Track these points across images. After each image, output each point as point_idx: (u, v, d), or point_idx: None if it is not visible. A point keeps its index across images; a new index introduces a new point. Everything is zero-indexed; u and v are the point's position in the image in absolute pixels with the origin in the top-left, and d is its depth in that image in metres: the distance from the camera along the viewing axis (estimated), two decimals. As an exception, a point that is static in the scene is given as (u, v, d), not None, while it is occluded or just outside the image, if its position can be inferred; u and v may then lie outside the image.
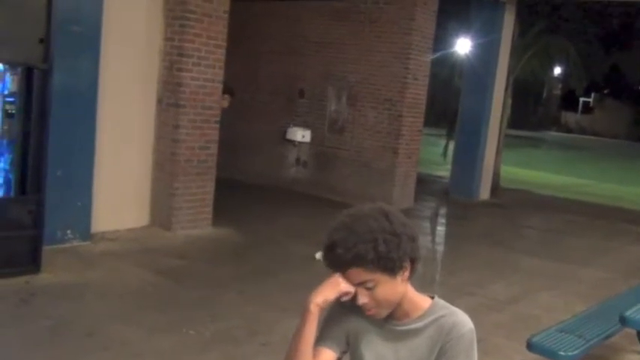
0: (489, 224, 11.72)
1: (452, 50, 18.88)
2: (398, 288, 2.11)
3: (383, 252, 2.02)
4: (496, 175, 14.69)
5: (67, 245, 6.89)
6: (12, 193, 5.96)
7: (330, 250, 2.08)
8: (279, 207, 10.72)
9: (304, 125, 12.13)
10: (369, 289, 2.08)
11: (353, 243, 2.02)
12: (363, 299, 2.10)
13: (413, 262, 2.13)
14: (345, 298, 2.14)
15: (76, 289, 5.87)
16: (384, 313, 2.15)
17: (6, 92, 5.84)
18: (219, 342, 5.07)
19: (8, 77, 5.84)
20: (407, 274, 2.12)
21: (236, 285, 6.48)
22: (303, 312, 2.14)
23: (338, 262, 2.07)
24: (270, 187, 12.02)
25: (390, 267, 2.05)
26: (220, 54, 8.20)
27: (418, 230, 2.15)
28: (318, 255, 7.53)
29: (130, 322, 5.23)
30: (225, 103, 8.81)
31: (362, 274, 2.06)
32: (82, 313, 5.34)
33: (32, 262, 5.96)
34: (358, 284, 2.08)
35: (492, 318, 6.20)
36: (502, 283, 7.57)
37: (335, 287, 2.11)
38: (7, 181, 5.90)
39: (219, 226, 8.48)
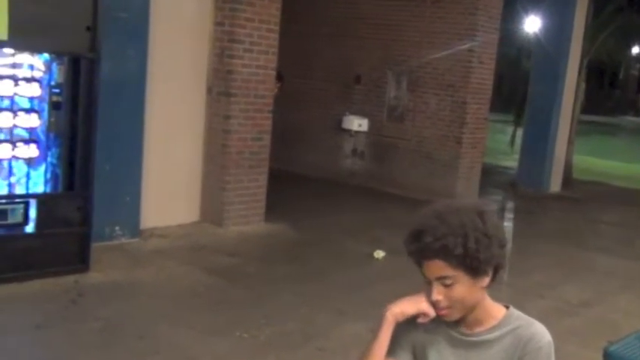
0: (561, 219, 11.63)
1: (520, 29, 18.65)
2: (475, 292, 2.14)
3: (471, 250, 2.05)
4: (568, 166, 14.51)
5: (116, 242, 7.03)
6: (59, 189, 6.11)
7: (416, 237, 2.10)
8: (335, 201, 10.77)
9: (361, 113, 12.14)
10: (446, 285, 2.10)
11: (442, 233, 2.05)
12: (437, 296, 2.12)
13: (496, 269, 2.15)
14: (421, 320, 2.19)
15: (125, 288, 6.01)
16: (456, 315, 2.17)
17: (52, 83, 5.95)
18: (274, 346, 5.13)
19: (55, 67, 5.95)
20: (487, 280, 2.14)
21: (290, 285, 6.55)
22: (380, 319, 2.21)
23: (423, 250, 2.09)
24: (325, 180, 12.05)
25: (474, 267, 2.07)
26: (273, 39, 8.25)
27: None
28: (377, 253, 7.58)
29: (182, 324, 5.33)
30: (275, 89, 8.89)
31: (444, 269, 2.08)
32: (132, 315, 5.47)
33: (81, 261, 6.11)
34: (436, 279, 2.11)
35: (565, 323, 6.15)
36: (575, 285, 7.50)
37: (416, 305, 2.18)
38: (54, 177, 6.04)
39: (271, 222, 8.55)
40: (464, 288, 2.10)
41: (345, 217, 9.65)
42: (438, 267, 2.09)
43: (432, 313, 2.16)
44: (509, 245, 2.15)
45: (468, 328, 2.22)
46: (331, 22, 12.48)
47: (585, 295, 7.13)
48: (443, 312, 2.15)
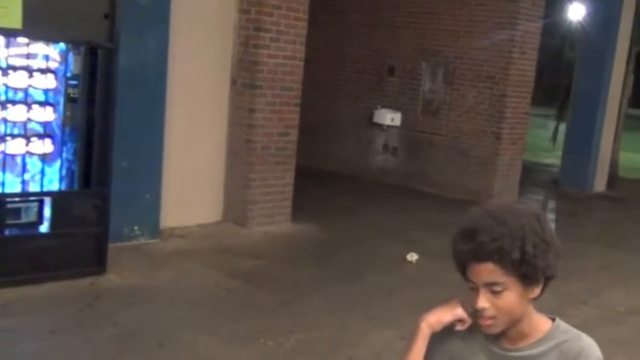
0: (606, 221, 11.50)
1: (563, 16, 18.47)
2: (523, 303, 2.08)
3: (529, 255, 1.99)
4: (613, 164, 14.41)
5: (134, 243, 7.05)
6: (75, 187, 6.11)
7: (468, 236, 2.03)
8: (365, 200, 10.72)
9: (394, 107, 12.08)
10: (495, 292, 2.04)
11: (500, 234, 1.99)
12: (483, 303, 2.05)
13: (548, 280, 2.09)
14: (459, 328, 2.15)
15: (144, 292, 6.01)
16: (499, 327, 2.10)
17: (68, 75, 5.93)
18: (301, 355, 5.11)
19: (71, 58, 5.93)
20: (538, 291, 2.08)
21: (318, 289, 6.53)
22: (414, 330, 2.18)
23: (475, 251, 2.02)
24: (355, 177, 12.06)
25: (529, 275, 2.01)
26: (301, 28, 8.22)
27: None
28: (411, 256, 7.54)
29: (203, 331, 5.32)
30: None
31: (495, 273, 2.02)
32: (151, 320, 5.46)
33: (97, 262, 6.12)
34: (485, 284, 2.04)
35: (610, 332, 6.08)
36: (621, 291, 7.46)
37: (452, 311, 2.15)
38: (70, 173, 6.04)
39: (298, 222, 8.55)
40: (513, 297, 2.04)
41: (376, 217, 9.64)
42: (488, 271, 2.02)
43: (469, 320, 2.13)
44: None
45: (510, 342, 2.16)
46: (363, 10, 12.45)
47: (632, 302, 7.06)
48: (487, 322, 2.09)
